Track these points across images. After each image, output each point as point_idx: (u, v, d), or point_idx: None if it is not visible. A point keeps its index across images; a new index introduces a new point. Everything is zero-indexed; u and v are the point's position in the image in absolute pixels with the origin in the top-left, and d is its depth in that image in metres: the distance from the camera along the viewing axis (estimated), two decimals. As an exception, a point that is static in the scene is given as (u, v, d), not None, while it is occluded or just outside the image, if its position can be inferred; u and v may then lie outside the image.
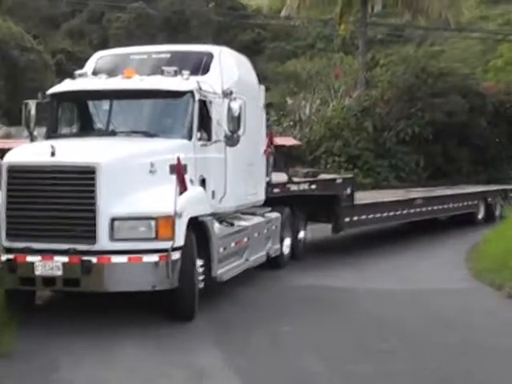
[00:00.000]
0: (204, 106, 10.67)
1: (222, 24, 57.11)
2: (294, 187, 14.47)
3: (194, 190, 10.04)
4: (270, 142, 13.53)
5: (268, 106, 17.43)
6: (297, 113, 29.20)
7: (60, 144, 9.43)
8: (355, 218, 16.33)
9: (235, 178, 11.33)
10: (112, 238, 9.08)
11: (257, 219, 12.73)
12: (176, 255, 9.23)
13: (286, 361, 8.28)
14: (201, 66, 11.40)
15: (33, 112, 11.31)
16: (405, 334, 9.41)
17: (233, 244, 11.38)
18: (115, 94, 10.72)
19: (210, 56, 11.59)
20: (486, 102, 27.03)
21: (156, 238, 9.13)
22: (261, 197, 12.99)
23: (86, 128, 11.12)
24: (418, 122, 25.81)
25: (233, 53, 12.41)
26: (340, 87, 31.79)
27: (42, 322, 9.62)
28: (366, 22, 31.74)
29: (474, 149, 26.71)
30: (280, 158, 14.81)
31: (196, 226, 9.82)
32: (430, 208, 19.14)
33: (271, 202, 13.37)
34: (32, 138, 11.31)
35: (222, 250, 10.71)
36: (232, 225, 11.51)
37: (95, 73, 11.46)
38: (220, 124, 10.71)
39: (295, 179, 14.73)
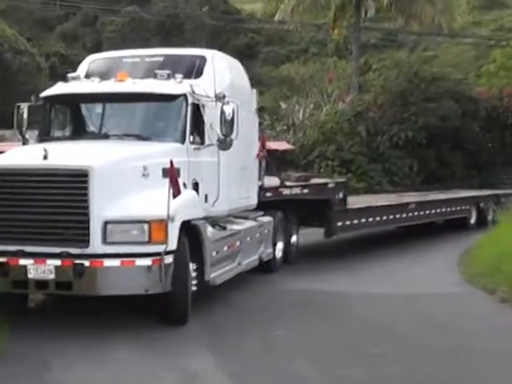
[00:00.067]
0: (197, 109, 10.66)
1: (216, 28, 57.15)
2: (286, 191, 14.48)
3: (187, 193, 10.03)
4: (263, 145, 13.54)
5: (261, 110, 17.46)
6: (290, 117, 29.18)
7: (52, 147, 9.41)
8: (348, 223, 16.34)
9: (228, 181, 11.33)
10: (105, 241, 9.05)
11: (249, 223, 12.73)
12: (169, 259, 9.22)
13: (279, 365, 8.27)
14: (194, 69, 11.38)
15: (25, 115, 11.30)
16: (397, 338, 9.41)
17: (225, 248, 11.37)
18: (108, 97, 10.71)
19: (203, 59, 11.59)
20: (478, 106, 27.09)
21: (149, 242, 9.11)
22: (253, 201, 12.99)
23: (79, 131, 11.11)
24: (412, 127, 25.84)
25: (225, 56, 12.42)
26: (333, 92, 31.81)
27: (34, 325, 9.61)
28: (360, 26, 31.80)
29: (467, 153, 26.75)
30: (272, 162, 14.79)
31: (189, 229, 9.81)
32: (422, 212, 19.18)
33: (264, 205, 13.37)
34: (24, 141, 11.29)
35: (214, 253, 10.70)
36: (225, 229, 11.49)
37: (88, 76, 11.45)
38: (213, 128, 10.71)
39: (287, 183, 14.73)
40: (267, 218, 13.52)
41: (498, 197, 22.92)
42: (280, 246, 14.25)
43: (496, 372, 8.02)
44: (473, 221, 21.64)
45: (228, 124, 10.55)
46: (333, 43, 49.47)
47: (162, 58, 11.87)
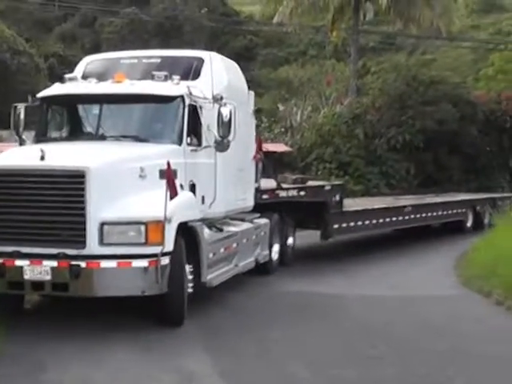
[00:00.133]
0: (194, 111, 10.66)
1: (214, 30, 57.19)
2: (282, 193, 14.48)
3: (184, 195, 10.04)
4: (259, 147, 13.55)
5: (259, 112, 17.47)
6: (288, 119, 29.20)
7: (49, 148, 9.41)
8: (344, 225, 16.35)
9: (225, 183, 11.34)
10: (101, 242, 9.06)
11: (246, 225, 12.74)
12: (165, 260, 9.22)
13: (275, 366, 8.28)
14: (191, 71, 11.40)
15: (22, 116, 11.29)
16: (393, 341, 9.42)
17: (222, 249, 11.38)
18: (105, 98, 10.71)
19: (201, 61, 11.60)
20: (476, 110, 27.09)
21: (145, 243, 9.11)
22: (250, 202, 13.00)
23: (76, 132, 11.11)
24: (409, 130, 25.86)
25: (222, 58, 12.40)
26: (331, 94, 31.85)
27: (30, 326, 9.60)
28: (358, 29, 31.84)
29: (464, 157, 26.76)
30: (269, 164, 14.79)
31: (185, 231, 9.81)
32: (418, 215, 19.20)
33: (260, 207, 13.38)
34: (21, 142, 11.29)
35: (211, 255, 10.71)
36: (221, 230, 11.50)
37: (85, 77, 11.44)
38: (210, 129, 10.72)
39: (284, 185, 14.74)
40: (264, 220, 13.53)
41: (494, 200, 22.94)
42: (276, 248, 14.26)
43: (491, 374, 8.03)
44: (469, 224, 21.67)
45: (225, 126, 10.56)
46: (331, 46, 49.43)
47: (159, 60, 11.88)
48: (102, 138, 10.61)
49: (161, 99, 10.54)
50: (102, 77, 11.19)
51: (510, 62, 46.00)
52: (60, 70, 36.17)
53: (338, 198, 16.15)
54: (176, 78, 10.64)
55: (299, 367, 8.24)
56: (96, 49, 41.88)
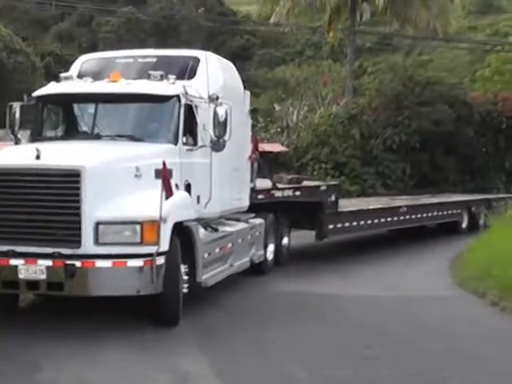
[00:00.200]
0: (190, 110, 10.65)
1: (211, 29, 57.19)
2: (278, 193, 14.46)
3: (179, 194, 10.03)
4: (255, 147, 13.54)
5: (255, 112, 17.47)
6: (284, 119, 29.23)
7: (45, 147, 9.39)
8: (339, 225, 16.35)
9: (220, 183, 11.33)
10: (96, 242, 9.04)
11: (241, 225, 12.74)
12: (161, 260, 9.21)
13: (270, 366, 8.28)
14: (187, 70, 11.38)
15: (17, 115, 11.27)
16: (388, 341, 9.42)
17: (217, 249, 11.37)
18: (101, 97, 10.70)
19: (197, 61, 11.58)
20: (473, 111, 27.15)
21: (141, 243, 9.10)
22: (245, 202, 12.99)
23: (71, 131, 11.10)
24: (405, 130, 25.90)
25: (218, 58, 12.39)
26: (328, 94, 31.90)
27: (25, 326, 9.59)
28: (355, 29, 31.85)
29: (460, 158, 26.81)
30: (264, 164, 14.79)
31: (181, 231, 9.80)
32: (414, 216, 19.22)
33: (255, 207, 13.38)
34: (16, 141, 11.27)
35: (206, 255, 10.70)
36: (216, 230, 11.50)
37: (80, 76, 11.42)
38: (206, 129, 10.71)
39: (279, 185, 14.73)
40: (259, 220, 13.52)
41: (489, 201, 22.97)
42: (271, 248, 14.26)
43: (486, 375, 8.03)
44: (464, 225, 21.68)
45: (221, 125, 10.55)
46: (328, 46, 49.47)
47: (155, 59, 11.87)
48: (98, 137, 10.61)
49: (156, 99, 10.52)
50: (97, 76, 11.18)
51: (506, 63, 46.06)
52: (56, 69, 36.16)
53: (333, 198, 16.15)
54: (172, 77, 10.63)
55: (296, 367, 8.24)
56: (93, 48, 41.86)
